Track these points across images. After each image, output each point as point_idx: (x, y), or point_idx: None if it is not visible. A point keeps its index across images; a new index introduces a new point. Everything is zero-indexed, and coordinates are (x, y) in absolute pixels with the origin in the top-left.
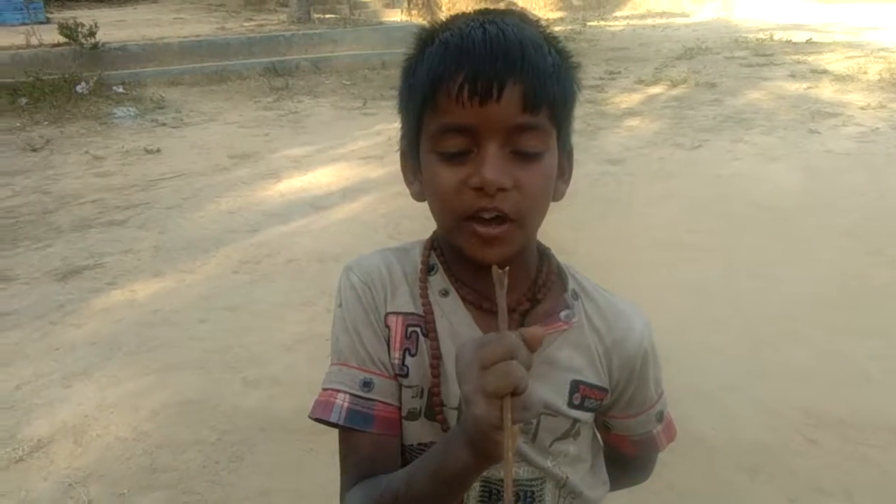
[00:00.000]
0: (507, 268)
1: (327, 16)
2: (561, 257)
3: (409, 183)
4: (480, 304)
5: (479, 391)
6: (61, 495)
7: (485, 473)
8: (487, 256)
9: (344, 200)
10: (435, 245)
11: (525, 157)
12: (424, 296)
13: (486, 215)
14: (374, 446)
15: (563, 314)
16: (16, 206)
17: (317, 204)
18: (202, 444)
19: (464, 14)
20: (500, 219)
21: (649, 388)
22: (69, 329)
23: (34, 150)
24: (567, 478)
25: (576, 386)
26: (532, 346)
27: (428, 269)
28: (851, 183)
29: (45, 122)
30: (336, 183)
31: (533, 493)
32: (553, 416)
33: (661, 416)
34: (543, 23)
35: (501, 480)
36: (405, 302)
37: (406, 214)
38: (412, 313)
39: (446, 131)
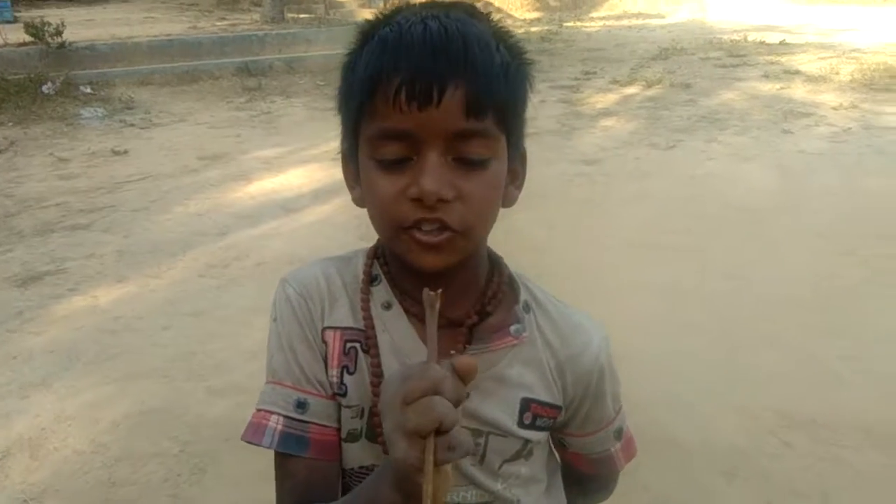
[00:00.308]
0: (440, 290)
1: (301, 15)
2: (532, 256)
3: (350, 188)
4: (424, 318)
5: (399, 429)
6: None
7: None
8: (428, 263)
9: (315, 202)
10: (378, 254)
11: (469, 166)
12: (366, 309)
13: (427, 227)
14: (310, 471)
15: (513, 328)
16: None
17: (288, 206)
18: (164, 457)
19: (407, 6)
20: (442, 228)
21: (606, 404)
22: (27, 337)
23: None
24: (518, 501)
25: (526, 404)
26: (465, 378)
27: (370, 280)
28: (824, 183)
29: (10, 124)
30: (308, 185)
31: None
32: (502, 436)
33: (619, 434)
34: (495, 17)
35: None
36: (344, 315)
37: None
38: (351, 328)
39: (383, 137)
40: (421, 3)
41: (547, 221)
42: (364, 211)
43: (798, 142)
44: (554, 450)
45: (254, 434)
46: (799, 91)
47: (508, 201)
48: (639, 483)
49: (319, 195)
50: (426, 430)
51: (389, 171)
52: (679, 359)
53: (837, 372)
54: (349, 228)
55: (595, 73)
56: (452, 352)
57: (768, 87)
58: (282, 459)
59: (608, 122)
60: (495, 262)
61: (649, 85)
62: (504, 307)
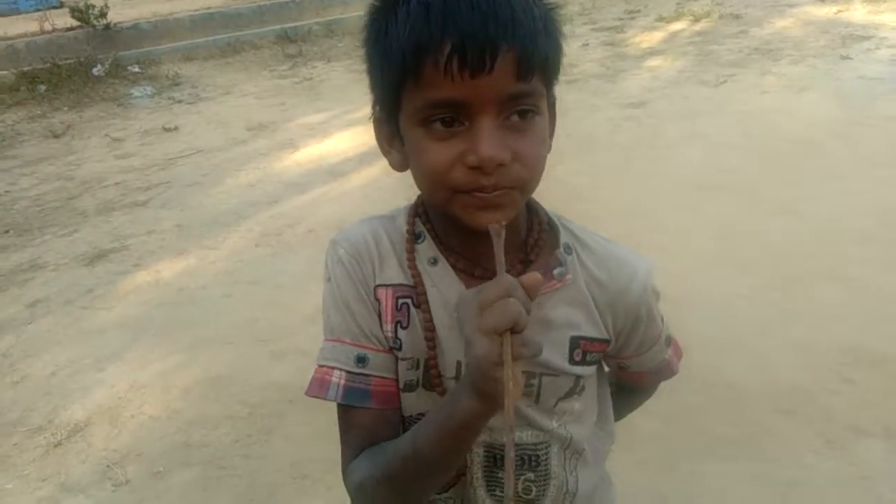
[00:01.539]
0: (503, 221)
1: None
2: (581, 204)
3: (385, 153)
4: (472, 272)
5: (477, 330)
6: (100, 476)
7: (488, 439)
8: (487, 221)
9: (361, 166)
10: (419, 212)
11: (520, 124)
12: (413, 266)
13: (487, 192)
14: (375, 420)
15: (556, 272)
16: (41, 193)
17: (335, 171)
18: (233, 419)
19: None
20: (499, 186)
21: (655, 324)
22: (99, 313)
23: (55, 137)
24: (571, 437)
25: (576, 342)
26: (531, 291)
27: (414, 238)
28: (886, 109)
29: (65, 108)
30: (353, 149)
31: (538, 456)
32: (555, 375)
33: (668, 341)
34: None
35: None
36: (394, 273)
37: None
38: (402, 284)
39: (433, 106)
40: None
41: (594, 169)
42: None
43: (857, 67)
44: (614, 375)
45: (319, 389)
46: (857, 13)
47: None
48: (696, 426)
49: (365, 159)
50: (503, 327)
51: (442, 139)
52: (734, 298)
53: None
54: (397, 190)
55: (639, 11)
56: None
57: (824, 12)
58: (346, 411)
59: (655, 62)
60: (532, 210)
61: (697, 19)
62: (546, 252)
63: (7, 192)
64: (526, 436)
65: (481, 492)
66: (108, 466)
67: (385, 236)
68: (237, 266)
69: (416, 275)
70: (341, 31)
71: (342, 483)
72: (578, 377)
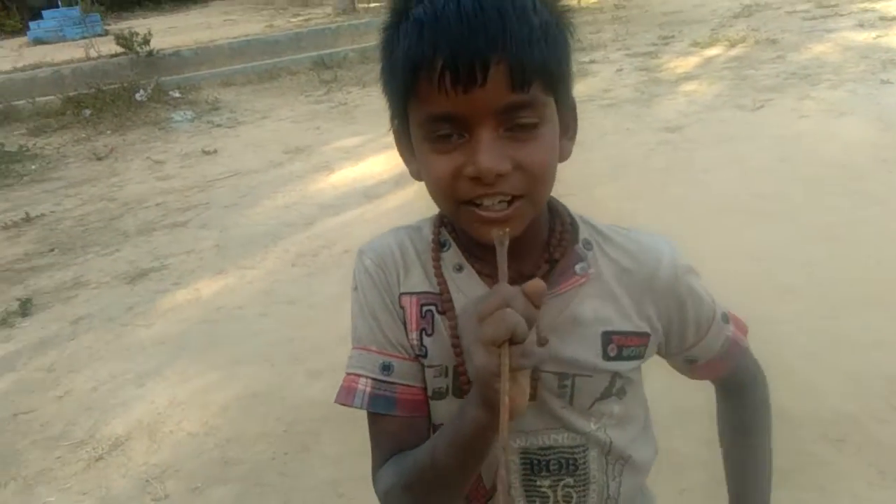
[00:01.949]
0: (507, 228)
1: (372, 4)
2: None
3: (406, 162)
4: (496, 277)
5: (477, 342)
6: (139, 491)
7: (524, 443)
8: (493, 236)
9: (396, 188)
10: (445, 221)
11: (522, 134)
12: (439, 273)
13: (489, 201)
14: (401, 428)
15: (577, 267)
16: (85, 213)
17: (369, 193)
18: (270, 437)
19: None
20: (505, 200)
21: (703, 301)
22: (139, 330)
23: (99, 159)
24: (612, 442)
25: (608, 337)
26: (534, 299)
27: (440, 246)
28: None
29: (108, 132)
30: (387, 171)
31: (575, 460)
32: (588, 376)
33: (726, 318)
34: None
35: (541, 449)
36: (419, 281)
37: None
38: (426, 292)
39: (433, 121)
40: None
41: (630, 192)
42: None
43: None
44: (690, 375)
45: (345, 396)
46: None
47: (564, 155)
48: None
49: (400, 181)
50: (501, 338)
51: (443, 152)
52: (777, 325)
53: None
54: (431, 210)
55: (673, 36)
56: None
57: (863, 37)
58: (374, 418)
59: (690, 87)
60: (555, 211)
61: (732, 44)
62: (570, 250)
63: (52, 212)
64: (562, 438)
65: (521, 502)
66: (147, 481)
67: (410, 246)
68: (274, 286)
69: (442, 282)
70: (376, 57)
71: (377, 502)
72: (615, 376)
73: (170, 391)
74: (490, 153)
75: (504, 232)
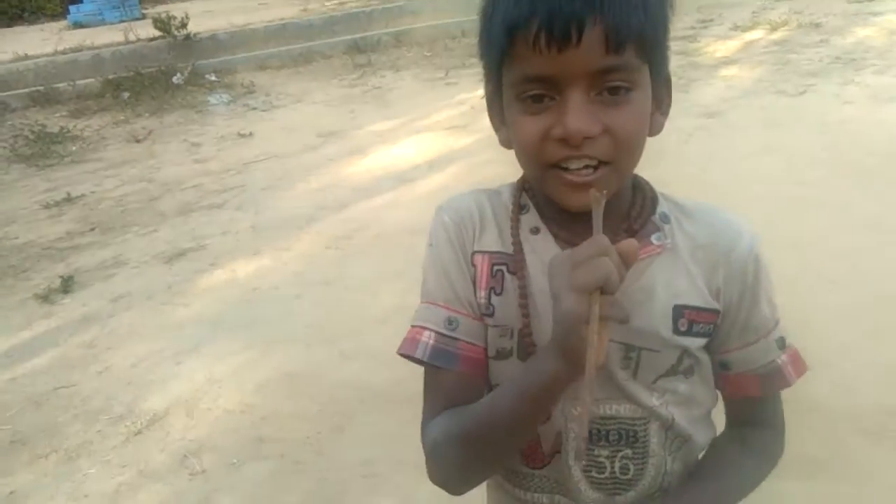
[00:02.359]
0: (605, 190)
1: None
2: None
3: (496, 129)
4: (573, 242)
5: (568, 286)
6: (177, 465)
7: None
8: (577, 202)
9: (430, 172)
10: (526, 186)
11: (613, 99)
12: (515, 234)
13: (575, 164)
14: (458, 383)
15: (654, 237)
16: (124, 195)
17: (404, 177)
18: (305, 416)
19: None
20: (591, 166)
21: (763, 307)
22: (177, 308)
23: (138, 141)
24: (673, 419)
25: (680, 311)
26: (627, 258)
27: (520, 209)
28: None
29: (147, 114)
30: (421, 155)
31: (636, 432)
32: (655, 351)
33: (782, 344)
34: None
35: (602, 419)
36: (492, 241)
37: (493, 183)
38: (499, 252)
39: (526, 81)
40: None
41: (667, 179)
42: (479, 179)
43: None
44: (717, 388)
45: (409, 347)
46: None
47: (655, 129)
48: None
49: (433, 165)
50: (594, 285)
51: (534, 113)
52: (817, 316)
53: None
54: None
55: (712, 20)
56: None
57: None
58: (432, 371)
59: (730, 71)
60: (638, 187)
61: (774, 28)
62: (650, 223)
63: (93, 192)
64: (623, 409)
65: (577, 472)
66: (185, 456)
67: (489, 206)
68: (308, 267)
69: (517, 242)
70: (409, 41)
71: (411, 483)
72: (683, 352)
73: (207, 369)
74: (579, 114)
75: (602, 193)
